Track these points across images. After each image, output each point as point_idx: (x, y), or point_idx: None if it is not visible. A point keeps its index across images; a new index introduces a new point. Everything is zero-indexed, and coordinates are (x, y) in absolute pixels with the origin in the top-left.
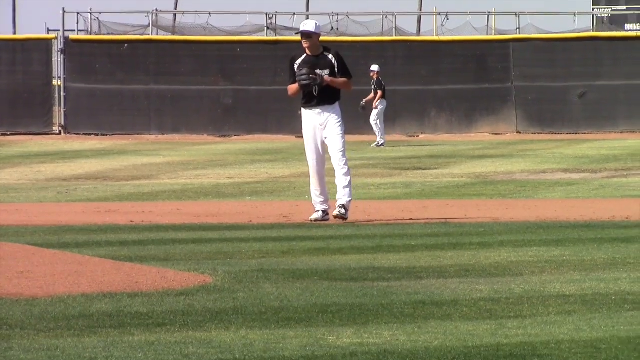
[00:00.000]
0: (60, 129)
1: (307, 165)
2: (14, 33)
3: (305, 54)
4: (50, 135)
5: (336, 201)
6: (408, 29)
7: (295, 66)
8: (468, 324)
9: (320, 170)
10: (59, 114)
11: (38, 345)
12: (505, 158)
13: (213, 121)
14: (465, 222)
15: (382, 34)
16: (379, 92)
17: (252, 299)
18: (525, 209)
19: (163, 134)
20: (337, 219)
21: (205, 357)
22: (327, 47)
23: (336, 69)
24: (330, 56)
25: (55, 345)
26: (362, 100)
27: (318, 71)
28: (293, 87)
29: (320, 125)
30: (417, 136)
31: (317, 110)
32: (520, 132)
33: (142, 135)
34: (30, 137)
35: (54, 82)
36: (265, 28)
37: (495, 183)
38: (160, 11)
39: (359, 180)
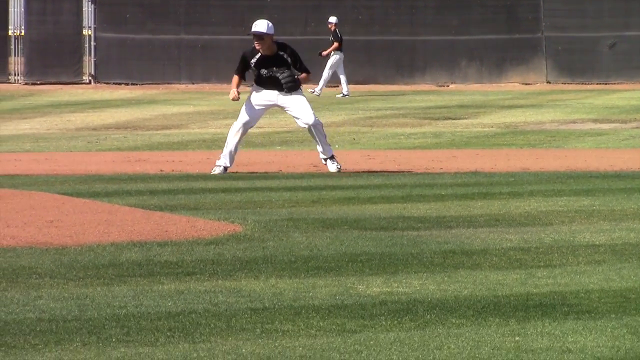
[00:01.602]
0: (90, 78)
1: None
2: None
3: (260, 53)
4: (80, 85)
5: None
6: None
7: (252, 64)
8: (498, 274)
9: (244, 132)
10: (89, 64)
11: (67, 294)
12: (535, 108)
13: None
14: (495, 172)
15: None
16: (335, 44)
17: (281, 248)
18: (555, 158)
19: (193, 84)
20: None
21: (234, 305)
22: (282, 44)
23: (292, 66)
24: (286, 55)
25: (85, 294)
26: (320, 52)
27: (276, 70)
28: (236, 80)
29: (275, 98)
30: (447, 86)
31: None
32: (550, 82)
33: (172, 85)
34: (60, 86)
35: (84, 32)
36: None
37: (525, 133)
38: None
39: (389, 129)
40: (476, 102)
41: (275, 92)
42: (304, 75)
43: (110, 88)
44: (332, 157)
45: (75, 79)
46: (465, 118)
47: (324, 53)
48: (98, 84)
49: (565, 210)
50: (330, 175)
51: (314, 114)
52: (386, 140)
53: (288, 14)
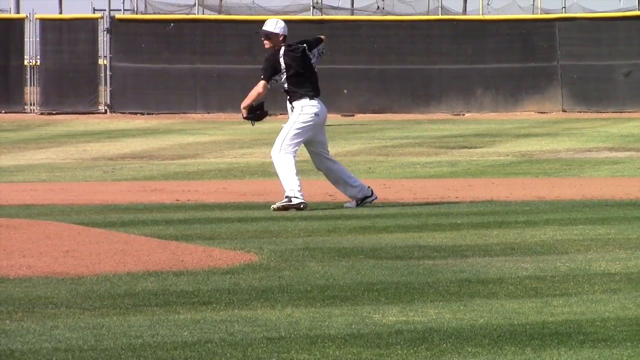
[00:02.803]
0: (106, 108)
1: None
2: (60, 13)
3: (280, 49)
4: (96, 115)
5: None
6: (454, 8)
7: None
8: (513, 302)
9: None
10: (104, 93)
11: (84, 323)
12: (551, 136)
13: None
14: (511, 201)
15: (428, 13)
16: None
17: (297, 277)
18: (571, 187)
19: (209, 113)
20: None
21: (250, 335)
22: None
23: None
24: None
25: (101, 323)
26: None
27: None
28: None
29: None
30: (463, 115)
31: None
32: (565, 111)
33: (188, 114)
34: (76, 116)
35: (100, 62)
36: (311, 7)
37: (541, 161)
38: None
39: (405, 159)
40: (492, 130)
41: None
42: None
43: (126, 118)
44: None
45: (91, 108)
46: (481, 147)
47: None
48: (114, 114)
49: (581, 238)
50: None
51: (280, 148)
52: (402, 169)
53: None
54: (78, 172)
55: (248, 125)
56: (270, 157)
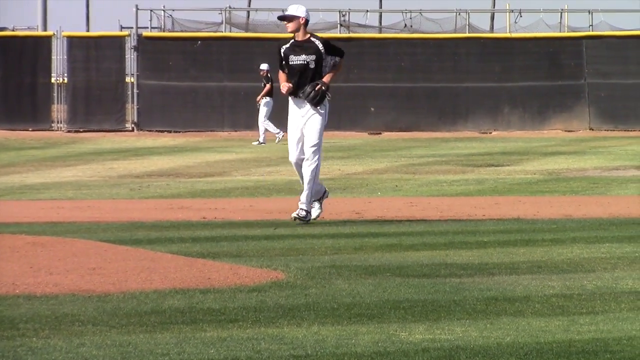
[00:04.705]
0: (133, 125)
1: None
2: (87, 30)
3: (292, 40)
4: (123, 132)
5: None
6: (481, 26)
7: (282, 50)
8: (540, 320)
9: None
10: (131, 111)
11: (110, 341)
12: (578, 155)
13: (286, 118)
14: (538, 219)
15: (455, 31)
16: (268, 86)
17: (324, 295)
18: (598, 205)
19: (236, 131)
20: (296, 220)
21: (277, 353)
22: (316, 35)
23: (324, 53)
24: (318, 42)
25: (128, 341)
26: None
27: (303, 59)
28: (283, 77)
29: (302, 116)
30: (490, 133)
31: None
32: (593, 129)
33: (215, 132)
34: (103, 134)
35: (127, 79)
36: (338, 25)
37: (568, 180)
38: (234, 8)
39: (432, 176)
40: (519, 149)
41: (302, 108)
42: (335, 71)
43: (153, 135)
44: (304, 209)
45: (118, 126)
46: (508, 165)
47: (259, 100)
48: (141, 132)
49: (608, 256)
50: (372, 222)
51: (316, 151)
52: (429, 187)
53: None
54: (105, 190)
55: (275, 142)
56: (303, 163)
